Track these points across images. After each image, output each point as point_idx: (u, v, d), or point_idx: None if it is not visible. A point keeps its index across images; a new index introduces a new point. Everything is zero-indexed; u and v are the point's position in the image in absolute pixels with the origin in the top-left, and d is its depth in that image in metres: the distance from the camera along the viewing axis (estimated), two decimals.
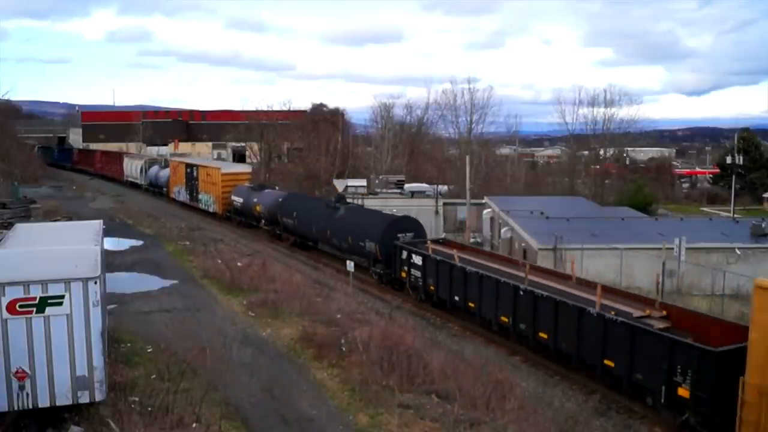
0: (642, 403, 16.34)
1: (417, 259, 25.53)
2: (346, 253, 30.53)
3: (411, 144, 79.26)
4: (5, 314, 12.27)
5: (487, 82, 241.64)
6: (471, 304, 22.50)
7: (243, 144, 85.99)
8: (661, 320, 17.24)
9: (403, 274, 26.45)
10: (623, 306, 18.03)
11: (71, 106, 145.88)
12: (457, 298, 23.27)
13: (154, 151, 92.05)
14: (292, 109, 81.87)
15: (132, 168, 63.11)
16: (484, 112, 75.50)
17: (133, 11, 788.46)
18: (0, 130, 74.81)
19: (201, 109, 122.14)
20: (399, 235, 27.84)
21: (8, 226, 27.09)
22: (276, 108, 78.92)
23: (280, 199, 37.99)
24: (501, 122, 79.92)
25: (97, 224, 18.05)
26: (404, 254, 26.40)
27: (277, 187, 45.58)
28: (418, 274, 25.54)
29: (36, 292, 12.43)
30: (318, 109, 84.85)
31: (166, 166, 56.36)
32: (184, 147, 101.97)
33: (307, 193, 46.93)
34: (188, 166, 49.85)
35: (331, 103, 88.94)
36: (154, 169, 58.24)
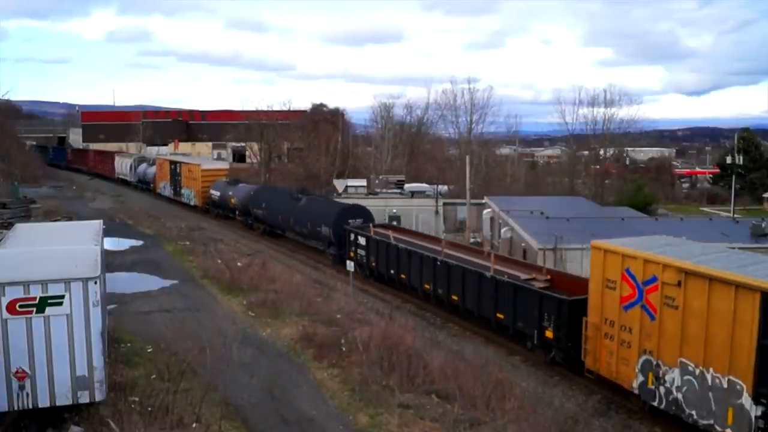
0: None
1: (362, 241, 29.44)
2: (306, 238, 35.02)
3: (411, 144, 79.24)
4: (5, 314, 12.27)
5: (487, 82, 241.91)
6: (402, 276, 26.43)
7: (243, 144, 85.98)
8: (543, 282, 20.81)
9: (352, 254, 29.75)
10: (515, 271, 22.00)
11: (71, 106, 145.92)
12: (392, 271, 27.22)
13: (154, 151, 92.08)
14: (292, 109, 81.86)
15: (122, 166, 66.23)
16: (484, 112, 75.52)
17: (133, 11, 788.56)
18: (0, 130, 74.81)
19: (201, 109, 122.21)
20: (350, 221, 31.40)
21: (8, 226, 27.10)
22: (276, 108, 78.92)
23: (252, 192, 41.45)
24: (501, 122, 79.93)
25: (97, 224, 18.06)
26: (352, 236, 30.22)
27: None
28: (363, 253, 29.29)
29: (36, 292, 12.44)
30: (318, 109, 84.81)
31: (153, 163, 59.34)
32: (184, 147, 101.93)
33: (277, 187, 49.87)
34: (172, 163, 53.43)
35: (331, 103, 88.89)
36: (143, 166, 61.22)
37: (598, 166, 74.46)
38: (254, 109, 79.65)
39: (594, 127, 74.56)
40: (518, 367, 19.64)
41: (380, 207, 44.32)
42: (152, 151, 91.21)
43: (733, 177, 62.72)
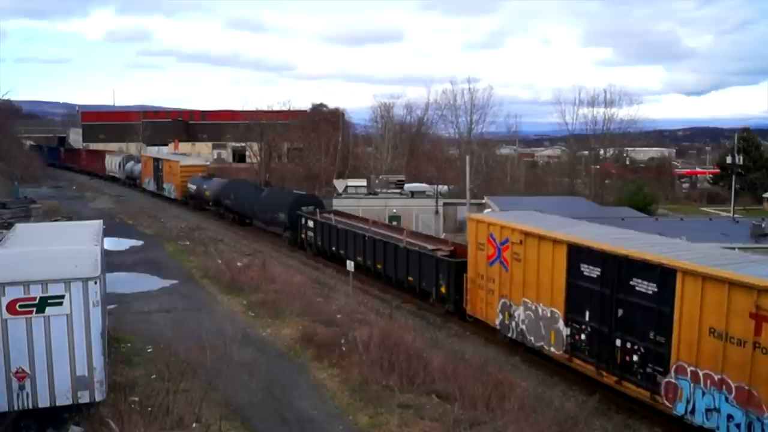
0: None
1: (311, 224, 34.48)
2: (268, 224, 40.46)
3: (411, 144, 79.31)
4: (5, 314, 12.26)
5: (486, 82, 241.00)
6: (341, 251, 31.05)
7: (243, 144, 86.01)
8: (446, 252, 25.15)
9: (303, 236, 35.26)
10: (424, 243, 26.92)
11: (71, 106, 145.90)
12: (333, 248, 32.25)
13: (154, 151, 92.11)
14: (292, 109, 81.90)
15: (112, 164, 71.36)
16: (484, 112, 75.66)
17: (132, 11, 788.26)
18: (0, 130, 74.90)
19: (201, 109, 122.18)
20: (303, 208, 36.18)
21: (8, 226, 27.07)
22: (276, 108, 78.98)
23: (222, 185, 46.41)
24: (501, 122, 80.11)
25: (97, 224, 18.06)
26: (303, 221, 35.31)
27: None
28: (311, 234, 34.38)
29: (36, 292, 12.43)
30: (318, 109, 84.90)
31: (140, 161, 64.72)
32: (184, 147, 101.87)
33: (245, 180, 53.62)
34: (155, 160, 58.87)
35: (331, 103, 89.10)
36: (130, 164, 66.55)
37: (598, 166, 74.50)
38: (254, 109, 79.81)
39: (594, 127, 74.78)
40: (518, 367, 19.65)
41: (380, 207, 44.43)
42: (152, 151, 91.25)
43: (733, 177, 62.68)
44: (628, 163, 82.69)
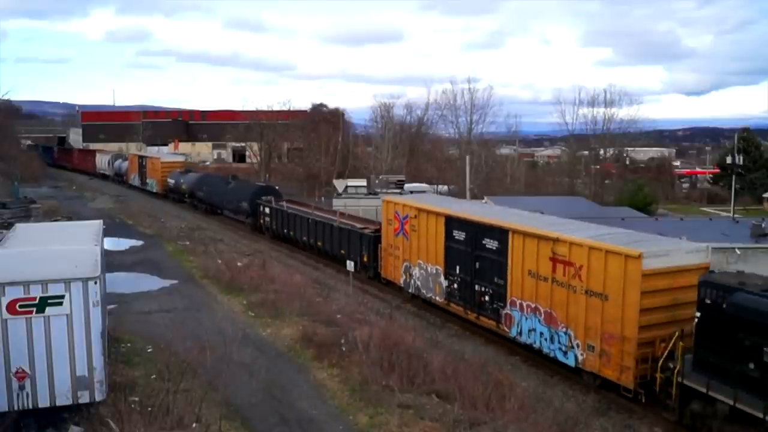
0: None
1: (267, 210, 39.27)
2: (234, 213, 44.74)
3: (411, 144, 79.21)
4: (5, 314, 12.27)
5: (486, 82, 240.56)
6: (292, 233, 36.32)
7: (243, 144, 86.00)
8: (372, 230, 29.65)
9: (261, 221, 39.98)
10: (354, 223, 31.73)
11: (71, 106, 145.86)
12: (285, 230, 37.01)
13: (154, 151, 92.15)
14: (292, 109, 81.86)
15: (102, 162, 75.77)
16: (484, 112, 75.40)
17: (132, 11, 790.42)
18: (0, 130, 74.99)
19: (201, 109, 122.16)
20: (263, 197, 40.71)
21: (8, 226, 27.06)
22: (276, 108, 78.93)
23: (196, 179, 51.27)
24: (501, 122, 79.77)
25: (97, 224, 18.06)
26: (261, 208, 39.96)
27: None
28: (268, 219, 39.15)
29: (36, 292, 12.44)
30: (318, 109, 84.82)
31: (126, 159, 69.43)
32: (184, 147, 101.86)
33: (216, 174, 58.42)
34: (140, 158, 64.08)
35: (331, 103, 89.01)
36: (118, 162, 71.14)
37: (598, 166, 74.38)
38: (254, 109, 79.77)
39: (594, 127, 74.52)
40: (518, 367, 19.64)
41: (380, 207, 44.37)
42: (152, 151, 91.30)
43: (733, 177, 62.57)
44: (628, 163, 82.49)
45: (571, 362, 18.21)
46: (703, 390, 14.37)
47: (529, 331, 19.62)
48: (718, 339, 14.17)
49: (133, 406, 13.72)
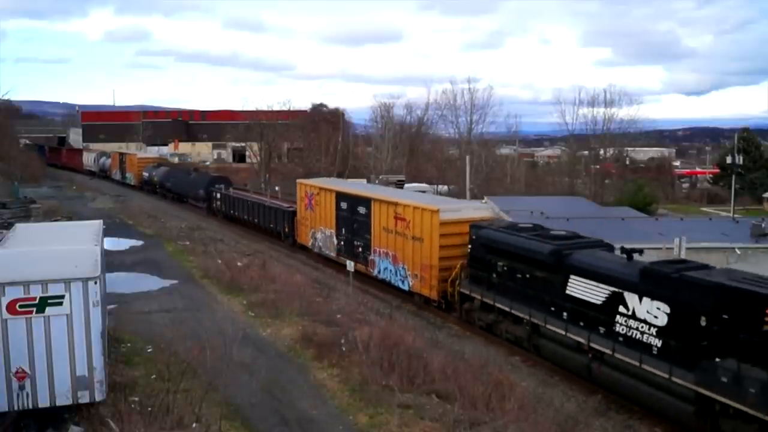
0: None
1: (218, 196, 46.98)
2: (195, 200, 51.39)
3: (411, 144, 79.23)
4: (5, 314, 12.27)
5: (486, 82, 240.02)
6: (237, 214, 43.73)
7: (243, 144, 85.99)
8: (294, 208, 36.71)
9: (214, 205, 47.38)
10: (281, 203, 40.23)
11: (71, 106, 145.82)
12: (231, 211, 44.62)
13: (154, 151, 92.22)
14: (292, 109, 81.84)
15: (88, 160, 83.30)
16: (484, 112, 75.39)
17: (131, 11, 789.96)
18: (0, 130, 75.14)
19: (201, 109, 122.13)
20: (216, 185, 48.54)
21: (8, 226, 27.06)
22: (276, 108, 78.91)
23: (165, 172, 59.24)
24: (501, 122, 79.77)
25: (97, 224, 18.06)
26: (214, 194, 47.66)
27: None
28: (219, 203, 46.74)
29: (36, 292, 12.44)
30: (318, 109, 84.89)
31: (110, 156, 76.71)
32: (184, 147, 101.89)
33: (182, 167, 67.71)
34: (120, 155, 72.22)
35: (331, 103, 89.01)
36: (102, 159, 78.52)
37: (598, 166, 74.30)
38: (254, 109, 79.76)
39: (594, 127, 74.41)
40: (518, 367, 19.63)
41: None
42: (152, 151, 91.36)
43: (733, 177, 62.54)
44: (628, 163, 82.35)
45: (406, 288, 25.40)
46: (467, 292, 22.24)
47: (384, 269, 27.47)
48: (476, 260, 21.85)
49: (133, 406, 13.71)
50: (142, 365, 16.90)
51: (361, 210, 28.85)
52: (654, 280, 15.67)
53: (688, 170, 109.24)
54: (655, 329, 15.47)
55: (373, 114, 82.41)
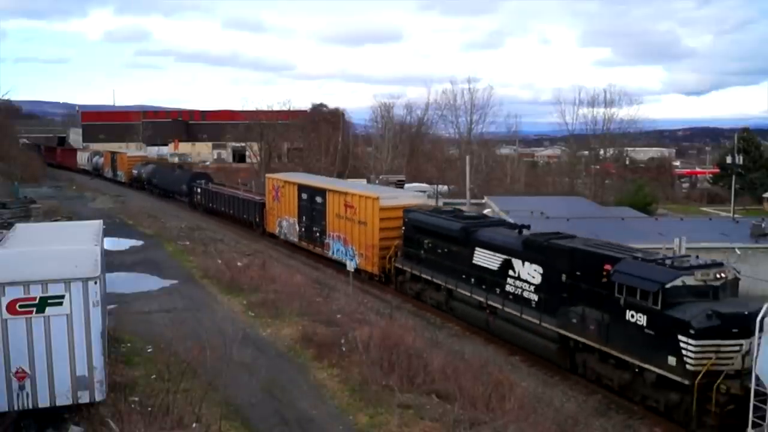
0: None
1: (199, 190, 50.01)
2: (179, 195, 54.32)
3: (411, 144, 79.27)
4: (5, 314, 12.27)
5: (486, 82, 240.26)
6: (214, 206, 46.67)
7: (243, 144, 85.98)
8: (262, 199, 40.47)
9: (195, 199, 50.60)
10: (253, 196, 43.13)
11: (71, 106, 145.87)
12: (210, 204, 47.45)
13: (154, 150, 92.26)
14: (291, 109, 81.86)
15: (82, 159, 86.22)
16: (484, 112, 75.57)
17: (131, 11, 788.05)
18: (0, 130, 75.19)
19: (201, 109, 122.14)
20: (198, 181, 51.37)
21: (8, 226, 27.06)
22: (276, 108, 78.92)
23: (151, 169, 62.34)
24: (501, 122, 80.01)
25: (97, 224, 18.05)
26: (195, 189, 50.68)
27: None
28: (200, 197, 49.78)
29: (36, 292, 12.44)
30: (318, 109, 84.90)
31: (102, 155, 79.36)
32: (184, 147, 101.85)
33: (167, 165, 71.92)
34: (112, 154, 75.44)
35: (331, 103, 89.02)
36: (95, 158, 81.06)
37: (598, 166, 74.31)
38: (254, 109, 79.77)
39: (594, 127, 74.50)
40: (518, 367, 19.63)
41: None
42: (152, 151, 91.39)
43: (733, 177, 62.55)
44: (628, 163, 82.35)
45: (354, 266, 26.82)
46: (401, 267, 26.42)
47: (337, 250, 31.33)
48: (408, 240, 25.92)
49: (133, 406, 13.71)
50: (142, 365, 16.90)
51: (318, 200, 32.87)
52: (532, 248, 19.72)
53: (688, 170, 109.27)
54: (533, 287, 19.53)
55: (373, 114, 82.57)
